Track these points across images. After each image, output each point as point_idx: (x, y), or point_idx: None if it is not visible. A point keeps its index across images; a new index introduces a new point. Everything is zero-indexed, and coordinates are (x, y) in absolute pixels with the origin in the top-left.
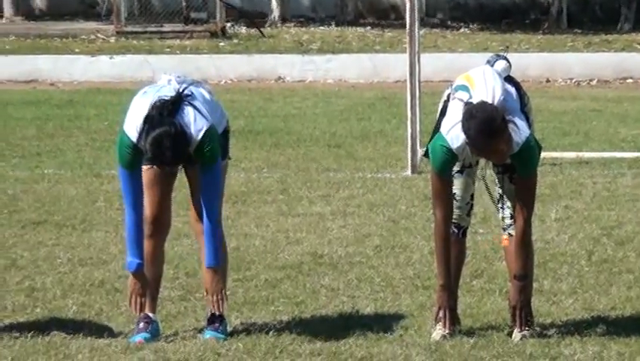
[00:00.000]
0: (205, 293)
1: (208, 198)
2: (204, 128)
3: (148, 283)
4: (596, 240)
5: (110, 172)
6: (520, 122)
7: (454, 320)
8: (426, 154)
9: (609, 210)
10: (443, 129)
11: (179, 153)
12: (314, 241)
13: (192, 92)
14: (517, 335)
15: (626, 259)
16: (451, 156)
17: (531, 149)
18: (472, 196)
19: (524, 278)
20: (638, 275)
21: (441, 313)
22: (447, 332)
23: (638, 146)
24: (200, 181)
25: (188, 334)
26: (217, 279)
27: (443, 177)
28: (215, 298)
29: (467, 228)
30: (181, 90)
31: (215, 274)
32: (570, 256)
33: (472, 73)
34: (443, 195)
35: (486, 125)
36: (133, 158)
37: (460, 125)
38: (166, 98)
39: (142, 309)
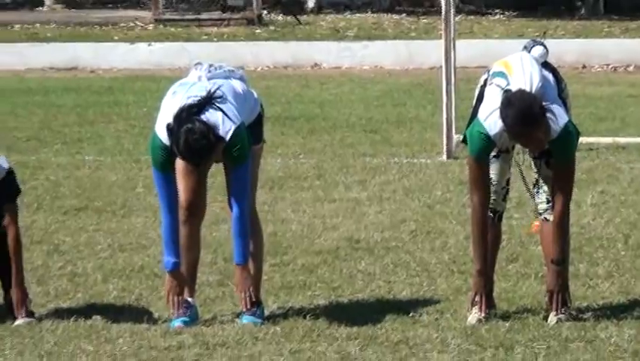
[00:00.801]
0: (235, 288)
1: (237, 197)
2: (232, 130)
3: (185, 281)
4: (632, 224)
5: (149, 158)
6: (558, 110)
7: (489, 303)
8: (464, 140)
9: None
10: (481, 116)
11: (208, 155)
12: (350, 227)
13: (222, 93)
14: (553, 318)
15: None
16: (488, 142)
17: (569, 135)
18: (507, 181)
19: (561, 262)
20: None
21: (477, 298)
22: (483, 315)
23: None
24: (229, 179)
25: (226, 318)
26: (245, 276)
27: (481, 163)
28: (243, 295)
29: (503, 213)
30: (211, 91)
31: (243, 270)
32: (606, 241)
33: (510, 59)
34: (480, 180)
35: (524, 114)
36: (165, 159)
37: (497, 112)
38: (195, 100)
39: (179, 307)
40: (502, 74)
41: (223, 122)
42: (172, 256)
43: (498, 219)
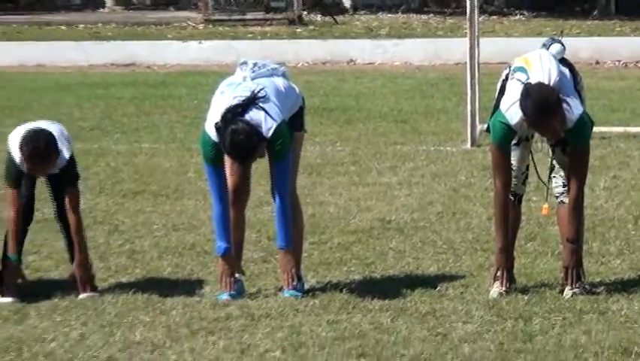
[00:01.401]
0: (279, 269)
1: (279, 187)
2: (273, 128)
3: (235, 263)
4: None
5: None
6: (574, 101)
7: (510, 279)
8: (487, 130)
9: None
10: (502, 107)
11: (252, 154)
12: (382, 208)
13: (265, 93)
14: (568, 292)
15: None
16: (509, 131)
17: (584, 125)
18: (527, 167)
19: (576, 241)
20: None
21: (498, 273)
22: (503, 289)
23: None
24: (272, 171)
25: (269, 292)
26: (288, 258)
27: (502, 150)
28: (286, 276)
29: (522, 196)
30: (255, 91)
31: (285, 254)
32: (618, 221)
33: (530, 56)
34: (502, 166)
35: (542, 104)
36: (215, 154)
37: (518, 103)
38: (240, 100)
39: (231, 287)
40: (522, 69)
41: (265, 120)
42: (223, 241)
43: (518, 201)
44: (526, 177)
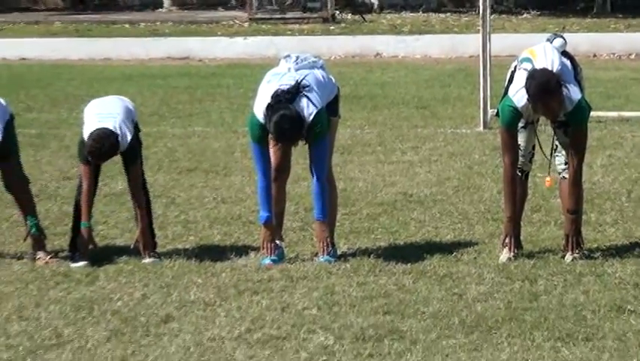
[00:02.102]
0: (315, 237)
1: (317, 165)
2: (314, 113)
3: (275, 230)
4: (634, 181)
5: (245, 129)
6: (573, 88)
7: (517, 245)
8: (497, 114)
9: None
10: (510, 93)
11: (295, 133)
12: (405, 183)
13: (308, 82)
14: (569, 257)
15: None
16: (516, 113)
17: (582, 109)
18: (533, 147)
19: (576, 212)
20: None
21: (507, 240)
22: (512, 255)
23: None
24: (311, 151)
25: (306, 257)
26: (324, 229)
27: (510, 131)
28: (321, 244)
29: (529, 172)
30: (299, 80)
31: (322, 225)
32: (613, 194)
33: (535, 48)
34: (510, 145)
35: (544, 85)
36: (261, 134)
37: (524, 89)
38: (285, 88)
39: (272, 252)
40: (528, 60)
41: (307, 106)
42: (266, 211)
43: (525, 177)
44: (532, 155)
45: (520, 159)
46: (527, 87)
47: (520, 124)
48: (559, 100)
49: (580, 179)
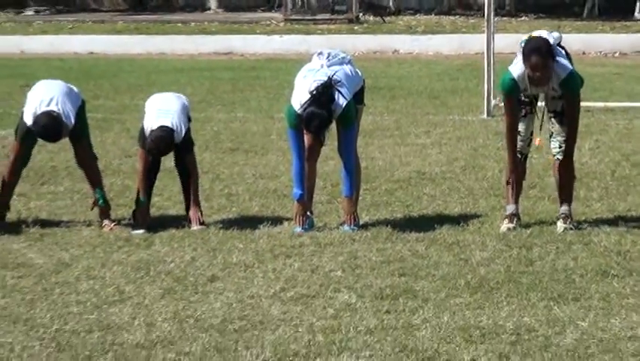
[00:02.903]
0: (342, 211)
1: (346, 149)
2: (344, 104)
3: (308, 205)
4: (617, 163)
5: (280, 115)
6: (564, 61)
7: (516, 217)
8: (499, 86)
9: (627, 143)
10: (510, 67)
11: (321, 129)
12: (418, 163)
13: (339, 78)
14: (560, 226)
15: (639, 177)
16: (514, 82)
17: (575, 78)
18: (531, 133)
19: (569, 188)
20: None
21: (509, 189)
22: (512, 225)
23: None
24: (340, 136)
25: (333, 226)
26: (350, 204)
27: (509, 98)
28: (348, 217)
29: (527, 155)
30: (331, 76)
31: (349, 201)
32: (599, 174)
33: (534, 32)
34: (509, 109)
35: (537, 48)
36: (297, 122)
37: (520, 62)
38: (320, 83)
39: (304, 223)
40: (526, 39)
41: (339, 98)
42: (299, 189)
43: (524, 159)
44: (531, 141)
45: (520, 143)
46: (523, 50)
47: (522, 113)
48: (549, 66)
49: (573, 148)
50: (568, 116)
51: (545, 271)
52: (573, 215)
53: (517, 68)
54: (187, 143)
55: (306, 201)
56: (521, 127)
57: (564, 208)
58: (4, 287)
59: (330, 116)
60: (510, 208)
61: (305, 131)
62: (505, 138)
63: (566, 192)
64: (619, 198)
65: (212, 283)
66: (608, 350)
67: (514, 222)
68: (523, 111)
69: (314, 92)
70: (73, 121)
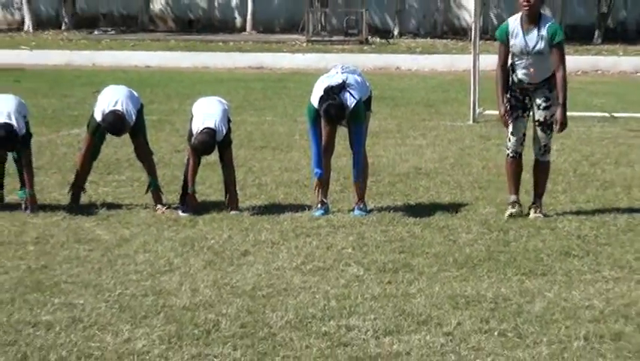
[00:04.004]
0: (353, 195)
1: (356, 142)
2: (354, 102)
3: (325, 182)
4: (578, 162)
5: (302, 119)
6: (551, 17)
7: (517, 204)
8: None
9: (586, 146)
10: (509, 19)
11: (338, 117)
12: (416, 160)
13: (350, 82)
14: (533, 215)
15: (595, 173)
16: (505, 27)
17: (559, 28)
18: (524, 134)
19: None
20: (602, 183)
21: (511, 197)
22: (514, 211)
23: (603, 109)
24: (351, 132)
25: (345, 210)
26: (360, 189)
27: (502, 44)
28: (358, 199)
29: (521, 153)
30: (344, 80)
31: (358, 186)
32: (563, 171)
33: None
34: (501, 53)
35: None
36: (315, 117)
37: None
38: (334, 84)
39: (320, 197)
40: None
41: (350, 97)
42: (319, 168)
43: (519, 157)
44: (523, 140)
45: (516, 143)
46: None
47: (515, 115)
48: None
49: (565, 78)
50: (556, 59)
51: (519, 251)
52: (542, 206)
53: (513, 17)
54: (226, 141)
55: (324, 179)
56: (516, 130)
57: (537, 200)
58: (78, 258)
59: (343, 105)
60: (512, 198)
61: (323, 125)
62: (495, 77)
63: (540, 187)
64: (579, 191)
65: (245, 257)
66: (569, 316)
67: (516, 207)
68: (515, 116)
69: (329, 90)
70: (134, 119)
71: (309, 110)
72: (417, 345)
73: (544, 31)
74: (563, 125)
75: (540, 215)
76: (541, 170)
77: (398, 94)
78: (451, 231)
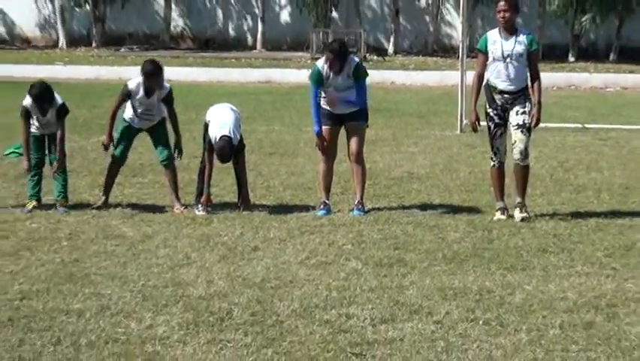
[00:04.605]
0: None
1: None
2: (355, 62)
3: (327, 185)
4: (554, 168)
5: (307, 128)
6: (526, 33)
7: (505, 210)
8: (477, 48)
9: (561, 154)
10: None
11: (344, 47)
12: (409, 166)
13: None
14: (517, 214)
15: (569, 178)
16: (485, 38)
17: (535, 40)
18: (505, 147)
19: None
20: (575, 187)
21: (498, 204)
22: (503, 217)
23: (577, 120)
24: (351, 139)
25: (345, 211)
26: (360, 190)
27: (481, 54)
28: (357, 201)
29: (504, 162)
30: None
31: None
32: (541, 176)
33: None
34: (480, 63)
35: None
36: (318, 78)
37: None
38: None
39: (324, 208)
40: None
41: (351, 57)
42: (317, 126)
43: (503, 166)
44: (505, 152)
45: (500, 155)
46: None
47: (499, 132)
48: (513, 8)
49: (540, 83)
50: (531, 66)
51: (501, 248)
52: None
53: (492, 30)
54: (240, 146)
55: (322, 136)
56: (499, 142)
57: (519, 200)
58: (105, 252)
59: (345, 43)
60: (499, 204)
61: (325, 134)
62: (472, 81)
63: (522, 189)
64: (555, 194)
65: (255, 252)
66: (546, 307)
67: (505, 214)
68: (499, 132)
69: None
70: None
71: (312, 72)
72: (410, 332)
73: (521, 38)
74: (538, 120)
75: (526, 214)
76: (523, 174)
77: (393, 106)
78: (441, 230)
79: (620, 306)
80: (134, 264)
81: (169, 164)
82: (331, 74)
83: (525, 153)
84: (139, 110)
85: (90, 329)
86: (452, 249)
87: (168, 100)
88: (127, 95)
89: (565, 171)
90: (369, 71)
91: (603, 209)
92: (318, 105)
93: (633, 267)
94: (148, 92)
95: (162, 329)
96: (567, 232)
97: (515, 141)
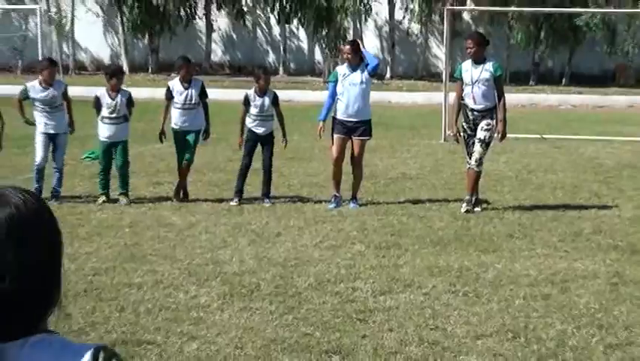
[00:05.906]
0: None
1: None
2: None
3: (337, 183)
4: (519, 170)
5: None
6: (493, 60)
7: (470, 202)
8: (453, 76)
9: (525, 158)
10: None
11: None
12: (402, 168)
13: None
14: (464, 207)
15: (531, 178)
16: (460, 67)
17: (499, 67)
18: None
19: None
20: (536, 185)
21: (467, 197)
22: (468, 208)
23: (537, 132)
24: (354, 148)
25: (345, 204)
26: (356, 187)
27: (458, 81)
28: (352, 196)
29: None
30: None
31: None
32: (508, 177)
33: None
34: (458, 88)
35: (474, 32)
36: (335, 79)
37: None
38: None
39: (336, 200)
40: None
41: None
42: (322, 116)
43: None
44: (471, 155)
45: (467, 157)
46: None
47: (470, 138)
48: (479, 44)
49: (505, 103)
50: (498, 90)
51: (477, 234)
52: (488, 201)
53: (466, 61)
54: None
55: (324, 123)
56: (472, 150)
57: (468, 197)
58: (159, 237)
59: (357, 41)
60: (467, 196)
61: (335, 141)
62: (451, 100)
63: (472, 188)
64: (520, 191)
65: (278, 237)
66: (512, 282)
67: (470, 205)
68: (471, 141)
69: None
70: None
71: (332, 75)
72: (403, 302)
73: (487, 66)
74: (504, 135)
75: (470, 207)
76: (475, 177)
77: (390, 120)
78: (429, 219)
79: (570, 281)
80: (182, 246)
81: (188, 164)
82: (347, 71)
83: (479, 162)
84: (178, 105)
85: (147, 299)
86: (438, 235)
87: (203, 91)
88: (169, 93)
89: (527, 172)
90: (370, 93)
91: (557, 203)
92: (330, 104)
93: (581, 250)
94: (183, 83)
95: (204, 299)
96: (529, 222)
97: (474, 152)
